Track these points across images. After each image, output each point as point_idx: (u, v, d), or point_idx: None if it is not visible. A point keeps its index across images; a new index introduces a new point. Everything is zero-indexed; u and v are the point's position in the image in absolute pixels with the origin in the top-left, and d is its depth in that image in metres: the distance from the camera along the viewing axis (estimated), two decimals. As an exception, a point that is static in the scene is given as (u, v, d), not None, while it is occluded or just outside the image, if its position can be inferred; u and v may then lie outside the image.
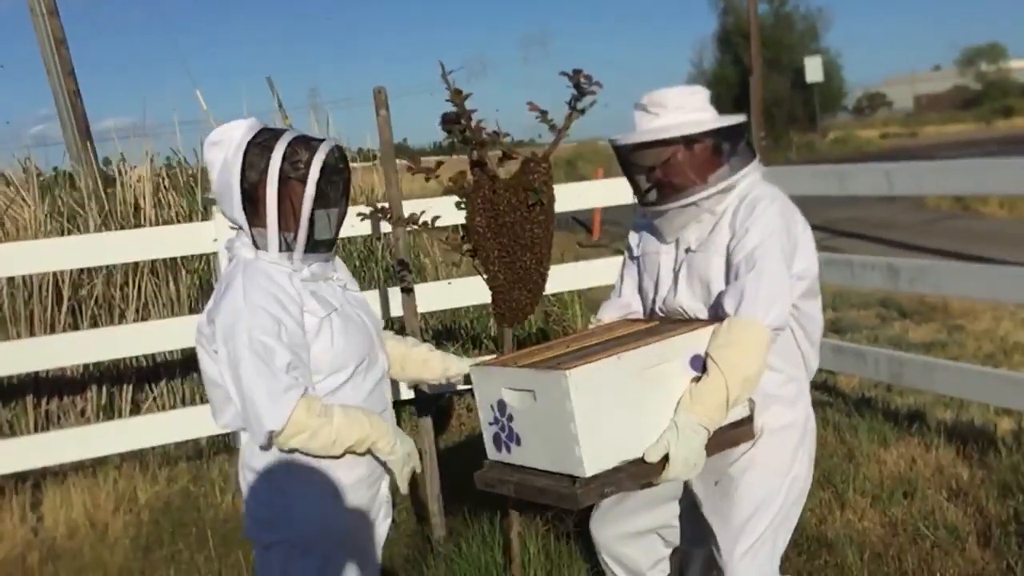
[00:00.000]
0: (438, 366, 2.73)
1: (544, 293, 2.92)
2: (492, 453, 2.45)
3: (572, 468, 2.20)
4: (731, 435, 2.42)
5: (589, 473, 2.17)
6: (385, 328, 2.80)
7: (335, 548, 2.38)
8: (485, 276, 2.89)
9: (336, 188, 2.36)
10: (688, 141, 2.46)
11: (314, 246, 2.35)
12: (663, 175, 2.50)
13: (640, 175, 2.55)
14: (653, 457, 2.24)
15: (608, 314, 2.80)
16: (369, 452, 2.36)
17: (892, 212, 13.84)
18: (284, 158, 2.25)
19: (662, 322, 2.57)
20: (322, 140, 2.33)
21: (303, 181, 2.26)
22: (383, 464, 2.42)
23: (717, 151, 2.49)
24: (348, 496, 2.38)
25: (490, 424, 2.43)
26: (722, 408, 2.29)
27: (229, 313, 2.23)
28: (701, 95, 2.55)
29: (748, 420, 2.46)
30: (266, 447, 2.28)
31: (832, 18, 51.50)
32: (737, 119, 2.54)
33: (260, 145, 2.27)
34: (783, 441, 2.50)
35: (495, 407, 2.40)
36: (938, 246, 10.43)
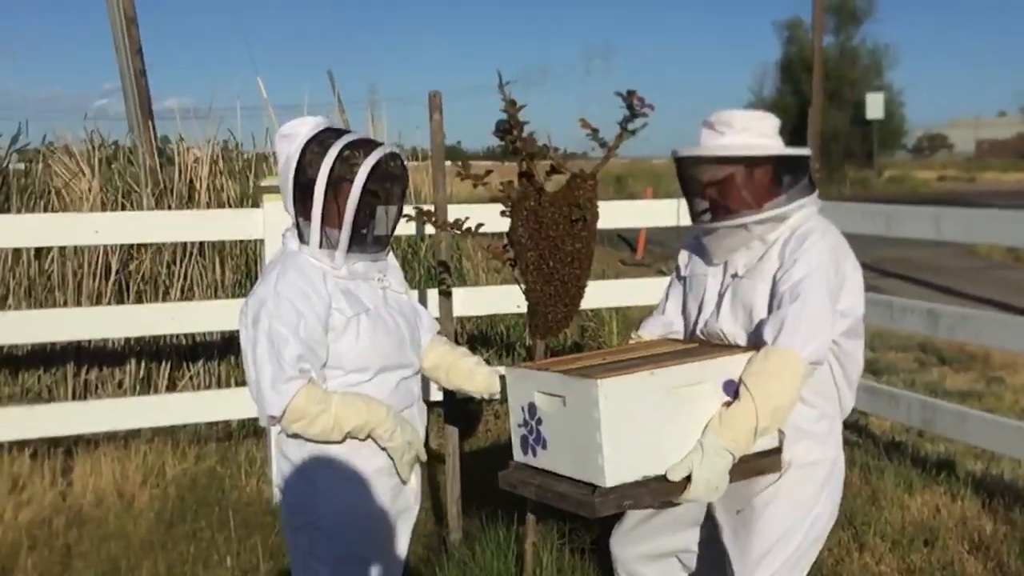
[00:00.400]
0: (482, 382, 2.77)
1: (582, 308, 2.96)
2: (518, 455, 2.48)
3: (593, 477, 2.23)
4: (757, 464, 2.43)
5: (609, 484, 2.20)
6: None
7: (358, 536, 2.45)
8: (523, 287, 2.93)
9: (389, 191, 2.42)
10: (749, 163, 2.48)
11: (361, 245, 2.41)
12: (719, 194, 2.52)
13: (696, 190, 2.57)
14: (676, 476, 2.26)
15: (649, 330, 2.82)
16: (370, 438, 2.42)
17: (942, 256, 13.67)
18: (338, 157, 2.32)
19: (701, 344, 2.59)
20: (380, 144, 2.39)
21: (352, 182, 2.32)
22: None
23: (776, 179, 2.51)
24: (372, 486, 2.45)
25: (519, 426, 2.47)
26: (750, 435, 2.30)
27: (258, 299, 2.34)
28: (770, 122, 2.57)
29: (776, 451, 2.47)
30: (270, 426, 2.37)
31: (898, 55, 50.89)
32: (802, 151, 2.57)
33: (320, 142, 2.35)
34: (810, 477, 2.50)
35: (525, 409, 2.44)
36: (984, 295, 10.30)
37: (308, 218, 2.36)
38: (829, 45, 34.87)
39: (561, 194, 2.84)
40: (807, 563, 2.54)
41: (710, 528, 2.66)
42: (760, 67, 54.95)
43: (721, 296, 2.58)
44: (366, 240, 2.42)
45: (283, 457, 2.46)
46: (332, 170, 2.31)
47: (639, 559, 2.81)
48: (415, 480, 2.60)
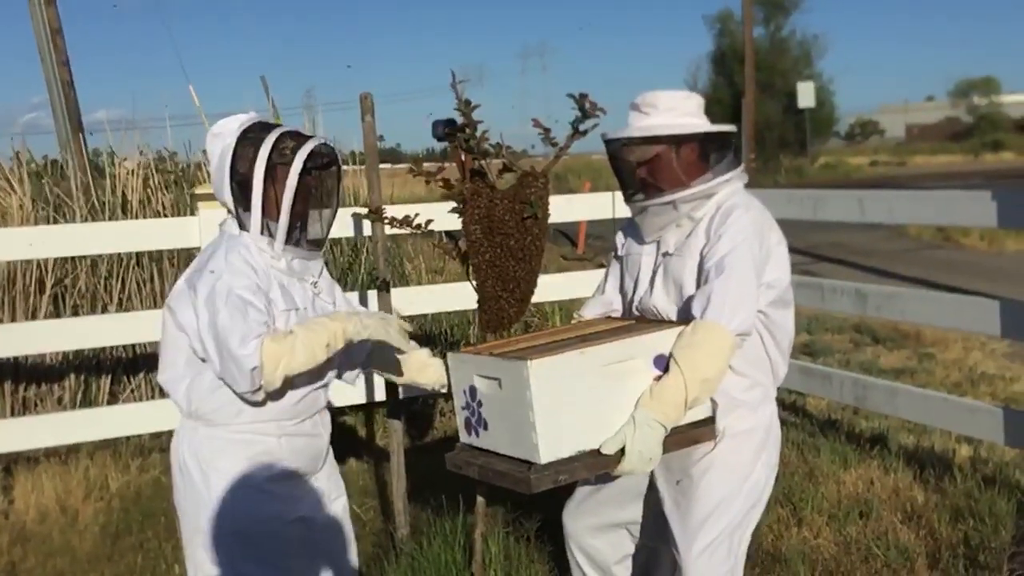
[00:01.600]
0: (434, 374, 2.82)
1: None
2: (464, 437, 2.58)
3: (529, 454, 2.31)
4: (691, 434, 2.52)
5: (544, 460, 2.28)
6: None
7: (289, 535, 2.49)
8: (474, 283, 2.98)
9: (323, 186, 2.50)
10: (675, 142, 2.56)
11: (296, 241, 2.46)
12: (647, 173, 2.60)
13: (626, 171, 2.65)
14: (610, 449, 2.33)
15: (590, 311, 2.92)
16: (349, 344, 2.47)
17: (873, 240, 14.00)
18: (273, 146, 2.39)
19: (638, 321, 2.67)
20: (311, 136, 2.47)
21: (289, 167, 2.39)
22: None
23: (703, 156, 2.59)
24: (262, 496, 2.47)
25: (462, 409, 2.56)
26: (680, 407, 2.38)
27: (211, 273, 2.35)
28: (694, 101, 2.66)
29: (710, 421, 2.56)
30: (257, 397, 2.35)
31: (828, 45, 51.80)
32: (725, 127, 2.65)
33: (255, 132, 2.43)
34: (744, 445, 2.58)
35: (467, 392, 2.53)
36: (915, 275, 10.58)
37: (247, 208, 2.41)
38: (759, 36, 35.38)
39: (512, 192, 2.90)
40: (747, 529, 2.62)
41: (654, 499, 2.73)
42: (693, 61, 55.61)
43: (654, 273, 2.67)
44: (303, 234, 2.49)
45: (176, 466, 2.49)
46: (270, 157, 2.39)
47: (589, 531, 2.88)
48: (326, 472, 2.66)
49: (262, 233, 2.43)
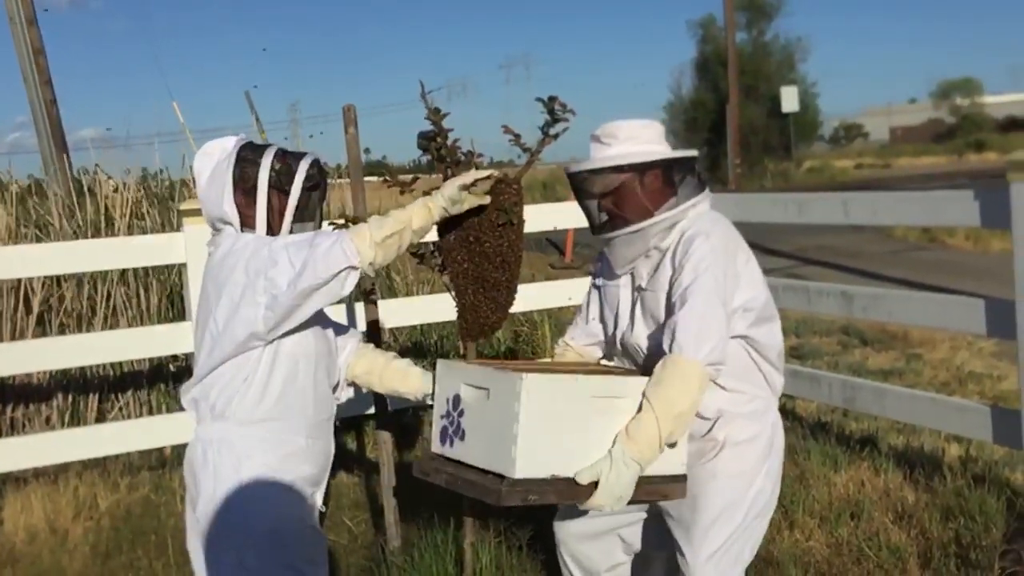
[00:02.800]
0: (416, 381, 2.83)
1: (514, 311, 3.00)
2: (436, 446, 2.56)
3: (504, 467, 2.30)
4: (663, 488, 2.49)
5: (518, 475, 2.27)
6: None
7: (290, 544, 2.49)
8: (453, 292, 2.98)
9: (318, 194, 2.59)
10: (637, 171, 2.55)
11: None
12: (611, 204, 2.60)
13: (590, 203, 2.65)
14: (584, 480, 2.32)
15: (575, 338, 2.91)
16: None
17: (859, 242, 14.05)
18: (275, 160, 2.50)
19: (631, 371, 2.67)
20: (304, 153, 2.58)
21: (288, 187, 2.50)
22: None
23: (667, 182, 2.58)
24: (298, 494, 2.52)
25: (441, 417, 2.55)
26: (655, 444, 2.35)
27: (257, 252, 2.42)
28: (654, 129, 2.65)
29: (682, 478, 2.53)
30: (363, 266, 2.44)
31: (810, 48, 52.08)
32: (686, 153, 2.64)
33: (252, 150, 2.53)
34: (746, 453, 2.58)
35: (450, 401, 2.52)
36: (901, 276, 10.62)
37: (251, 221, 2.50)
38: (742, 41, 35.58)
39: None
40: (752, 538, 2.62)
41: (654, 508, 2.71)
42: (677, 67, 55.81)
43: (632, 308, 2.67)
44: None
45: (204, 471, 2.47)
46: (272, 172, 2.49)
47: (580, 538, 2.86)
48: (319, 496, 2.68)
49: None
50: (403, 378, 2.84)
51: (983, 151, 44.21)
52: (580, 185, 2.64)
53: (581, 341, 2.89)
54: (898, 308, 4.60)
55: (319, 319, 2.61)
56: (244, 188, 2.50)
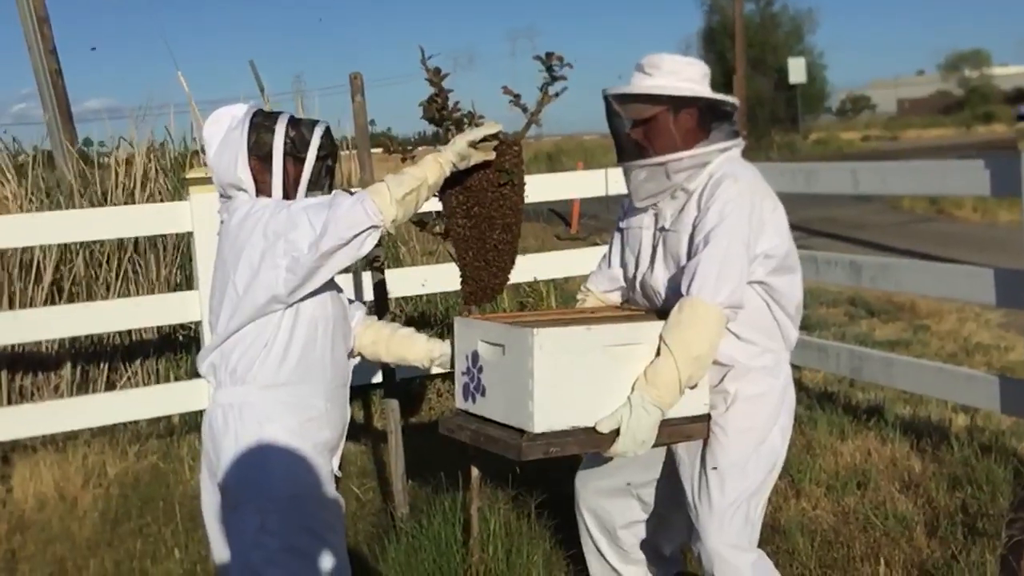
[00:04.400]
0: (422, 347, 2.85)
1: (520, 281, 3.01)
2: (459, 402, 2.60)
3: (523, 422, 2.32)
4: (686, 428, 2.52)
5: (537, 430, 2.30)
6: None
7: (309, 507, 2.50)
8: (454, 254, 2.97)
9: (331, 161, 2.61)
10: (673, 105, 2.54)
11: None
12: (642, 133, 2.58)
13: (622, 129, 2.62)
14: (605, 428, 2.34)
15: (596, 283, 2.91)
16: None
17: (866, 213, 14.02)
18: (289, 127, 2.51)
19: (648, 311, 2.66)
20: (316, 121, 2.59)
21: (303, 154, 2.51)
22: None
23: (700, 123, 2.56)
24: (316, 459, 2.52)
25: (462, 374, 2.58)
26: (675, 387, 2.37)
27: (276, 214, 2.43)
28: (698, 68, 2.63)
29: (705, 418, 2.55)
30: (384, 223, 2.45)
31: (818, 20, 51.69)
32: (727, 97, 2.62)
33: (265, 117, 2.53)
34: (756, 409, 2.57)
35: (469, 357, 2.54)
36: (909, 247, 10.59)
37: (266, 186, 2.51)
38: (750, 12, 35.32)
39: (487, 161, 2.88)
40: (763, 494, 2.62)
41: (669, 463, 2.72)
42: (684, 39, 55.47)
43: (654, 249, 2.65)
44: None
45: (225, 435, 2.48)
46: (287, 134, 2.50)
47: (599, 493, 2.86)
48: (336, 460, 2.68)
49: None
50: (410, 345, 2.85)
51: (991, 123, 44.03)
52: (614, 109, 2.63)
53: (602, 287, 2.89)
54: (907, 278, 4.59)
55: (334, 283, 2.61)
56: (259, 155, 2.50)
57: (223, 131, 2.53)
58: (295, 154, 2.51)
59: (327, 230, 2.37)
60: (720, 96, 2.61)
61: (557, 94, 2.84)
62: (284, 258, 2.38)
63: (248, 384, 2.48)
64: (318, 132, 2.54)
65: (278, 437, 2.46)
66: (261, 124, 2.52)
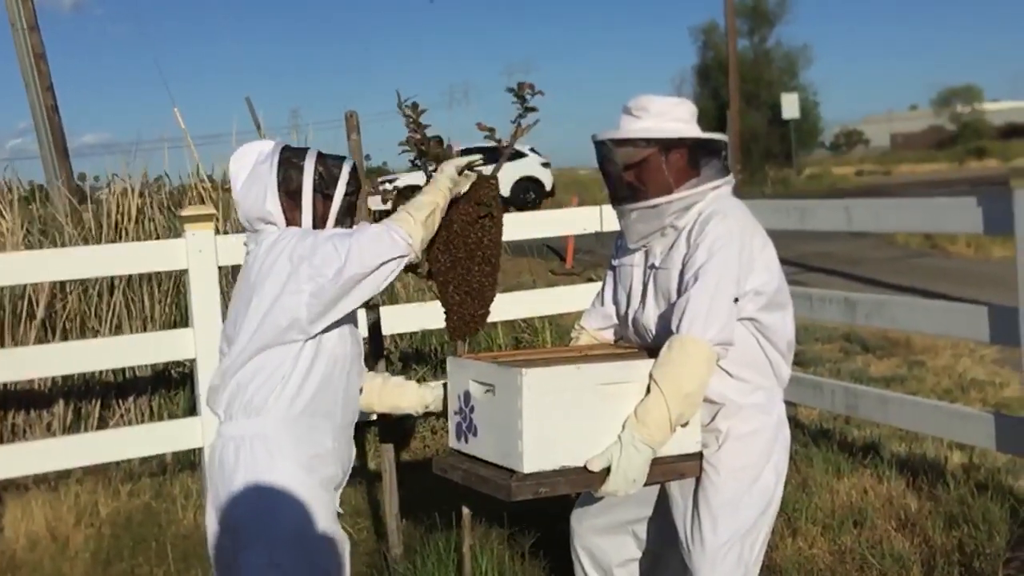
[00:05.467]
0: (414, 395, 2.87)
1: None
2: (453, 442, 2.60)
3: (513, 463, 2.33)
4: (678, 466, 2.51)
5: (527, 470, 2.30)
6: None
7: (315, 543, 2.49)
8: (438, 290, 2.97)
9: (354, 203, 2.65)
10: (663, 147, 2.55)
11: None
12: (634, 176, 2.59)
13: (614, 173, 2.64)
14: (596, 467, 2.33)
15: (590, 320, 2.91)
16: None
17: (861, 249, 14.04)
18: (318, 163, 2.56)
19: (640, 349, 2.66)
20: (343, 157, 2.65)
21: (332, 191, 2.56)
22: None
23: (691, 163, 2.58)
24: (321, 495, 2.53)
25: (455, 413, 2.58)
26: (664, 426, 2.36)
27: (302, 240, 2.45)
28: (686, 107, 2.65)
29: (697, 456, 2.54)
30: (411, 252, 2.52)
31: (812, 56, 52.08)
32: (714, 136, 2.64)
33: (294, 153, 2.58)
34: (749, 447, 2.56)
35: (461, 397, 2.55)
36: (903, 283, 10.61)
37: (296, 216, 2.53)
38: (744, 48, 35.69)
39: (465, 196, 2.89)
40: (758, 534, 2.59)
41: (662, 501, 2.71)
42: (679, 73, 55.94)
43: (645, 287, 2.65)
44: None
45: (236, 469, 2.46)
46: (316, 170, 2.54)
47: (595, 531, 2.84)
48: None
49: None
50: (401, 393, 2.88)
51: (984, 158, 44.28)
52: (605, 153, 2.64)
53: (596, 324, 2.89)
54: (902, 315, 4.59)
55: (354, 318, 2.63)
56: (288, 190, 2.53)
57: (250, 166, 2.57)
58: (323, 191, 2.55)
59: (351, 257, 2.39)
60: (709, 135, 2.63)
61: (530, 126, 2.86)
62: (308, 283, 2.39)
63: (263, 416, 2.47)
64: (346, 169, 2.59)
65: (288, 471, 2.46)
66: (290, 160, 2.55)
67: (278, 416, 2.47)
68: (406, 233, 2.47)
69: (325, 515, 2.53)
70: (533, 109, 2.84)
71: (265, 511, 2.44)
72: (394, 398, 2.87)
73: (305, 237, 2.45)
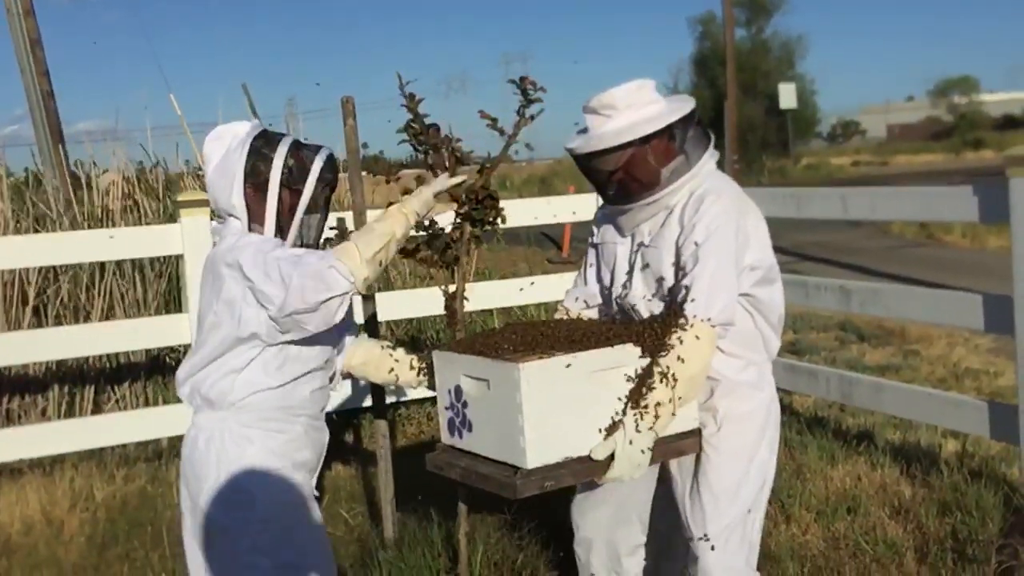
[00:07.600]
0: (412, 370, 2.81)
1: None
2: (445, 438, 2.55)
3: (516, 459, 2.29)
4: (678, 445, 2.51)
5: (531, 465, 2.26)
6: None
7: (296, 525, 2.50)
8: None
9: (331, 189, 2.56)
10: (643, 140, 2.50)
11: (303, 244, 2.51)
12: (623, 175, 2.54)
13: (601, 179, 2.60)
14: (599, 455, 2.32)
15: (571, 301, 2.89)
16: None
17: (857, 238, 14.07)
18: (289, 152, 2.45)
19: (627, 325, 2.64)
20: (319, 147, 2.52)
21: (301, 185, 2.45)
22: None
23: (673, 140, 2.53)
24: (299, 477, 2.53)
25: (446, 408, 2.53)
26: (668, 409, 2.36)
27: (255, 261, 2.35)
28: (648, 88, 2.59)
29: (696, 432, 2.55)
30: (356, 287, 2.36)
31: (809, 46, 52.11)
32: (686, 109, 2.56)
33: (265, 139, 2.47)
34: (746, 427, 2.57)
35: (452, 392, 2.50)
36: (899, 273, 10.62)
37: (260, 213, 2.45)
38: (741, 38, 35.65)
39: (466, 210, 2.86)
40: (758, 512, 2.61)
41: (666, 483, 2.71)
42: (675, 63, 55.85)
43: (631, 265, 2.64)
44: (308, 237, 2.53)
45: (207, 458, 2.46)
46: (286, 164, 2.43)
47: (600, 524, 2.81)
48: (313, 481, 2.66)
49: (275, 235, 2.46)
50: (399, 367, 2.83)
51: (980, 149, 44.26)
52: (587, 164, 2.59)
53: (578, 305, 2.87)
54: (896, 303, 4.60)
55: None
56: (255, 182, 2.44)
57: (223, 150, 2.48)
58: (291, 185, 2.45)
59: (292, 292, 2.29)
60: (682, 112, 2.55)
61: (533, 116, 2.84)
62: (260, 310, 2.35)
63: (227, 409, 2.46)
64: (319, 160, 2.48)
65: (259, 457, 2.45)
66: (260, 150, 2.45)
67: (245, 407, 2.45)
68: (348, 272, 2.31)
69: (301, 497, 2.52)
70: (537, 100, 2.82)
71: (240, 497, 2.43)
72: (387, 372, 2.81)
73: (258, 257, 2.34)
